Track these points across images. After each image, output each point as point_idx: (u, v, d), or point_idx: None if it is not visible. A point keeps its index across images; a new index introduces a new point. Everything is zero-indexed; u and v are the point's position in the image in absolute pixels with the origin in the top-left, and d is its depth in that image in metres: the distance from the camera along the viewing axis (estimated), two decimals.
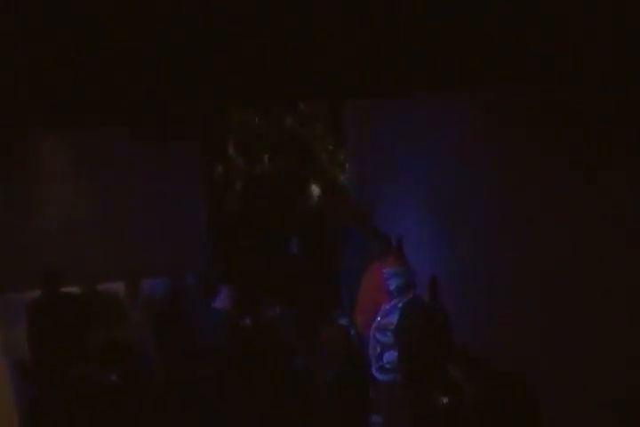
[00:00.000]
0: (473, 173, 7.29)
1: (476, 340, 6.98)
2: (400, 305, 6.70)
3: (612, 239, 5.13)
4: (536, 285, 6.13)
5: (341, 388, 6.70)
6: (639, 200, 4.85)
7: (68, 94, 4.52)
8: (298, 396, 7.05)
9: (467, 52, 4.62)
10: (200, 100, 5.76)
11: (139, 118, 8.08)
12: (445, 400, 6.16)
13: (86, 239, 9.68)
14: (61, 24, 3.87)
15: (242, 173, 11.57)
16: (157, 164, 10.20)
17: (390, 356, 6.67)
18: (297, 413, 6.87)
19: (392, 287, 6.78)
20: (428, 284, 7.60)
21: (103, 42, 4.08)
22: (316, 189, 11.63)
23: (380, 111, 9.74)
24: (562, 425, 5.70)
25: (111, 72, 4.44)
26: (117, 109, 5.28)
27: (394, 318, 6.67)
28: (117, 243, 9.74)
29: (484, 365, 6.65)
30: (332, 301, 9.12)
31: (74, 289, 8.10)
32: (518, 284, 6.44)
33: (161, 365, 7.60)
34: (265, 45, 4.41)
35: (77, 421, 6.49)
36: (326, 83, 5.32)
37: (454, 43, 4.51)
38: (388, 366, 6.71)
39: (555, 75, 5.14)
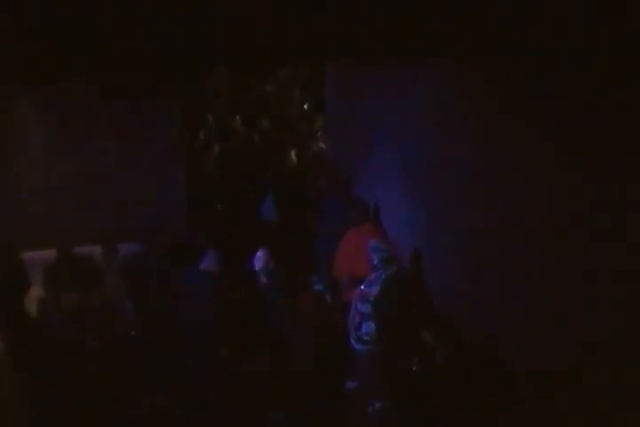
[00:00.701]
0: (455, 144, 7.30)
1: (455, 309, 7.05)
2: (383, 277, 6.77)
3: (588, 212, 5.18)
4: (516, 256, 6.19)
5: (317, 355, 6.79)
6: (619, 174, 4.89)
7: (53, 51, 4.50)
8: (281, 356, 7.12)
9: (443, 21, 4.63)
10: (185, 63, 5.75)
11: (122, 78, 8.01)
12: (415, 366, 6.26)
13: (62, 203, 9.62)
14: None
15: (219, 137, 11.51)
16: (135, 127, 10.11)
17: (368, 327, 6.76)
18: (278, 375, 6.95)
19: (375, 261, 6.87)
20: (412, 257, 7.64)
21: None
22: (293, 155, 11.61)
23: (360, 79, 9.69)
24: (531, 391, 5.81)
25: (100, 32, 4.41)
26: (101, 68, 5.25)
27: (375, 290, 6.75)
28: (93, 206, 9.69)
29: (461, 333, 6.73)
30: (308, 266, 9.16)
31: (49, 253, 8.08)
32: (498, 254, 6.50)
33: (140, 328, 7.62)
34: (248, 6, 4.39)
35: (57, 386, 6.52)
36: (305, 45, 5.31)
37: (429, 11, 4.51)
38: (365, 337, 6.80)
39: (527, 46, 5.16)
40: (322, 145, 11.52)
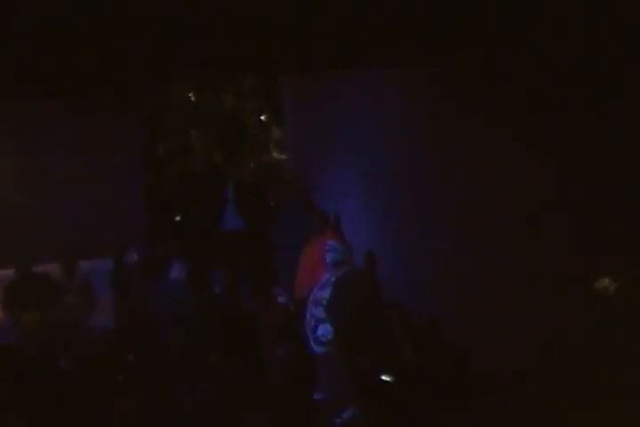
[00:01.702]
0: (412, 151, 7.37)
1: (419, 311, 7.12)
2: (333, 280, 6.78)
3: (546, 212, 5.27)
4: (474, 260, 6.27)
5: (283, 364, 6.79)
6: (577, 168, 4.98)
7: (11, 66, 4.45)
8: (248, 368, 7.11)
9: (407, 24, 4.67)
10: (143, 74, 5.72)
11: (81, 90, 7.93)
12: (391, 379, 6.28)
13: (19, 220, 9.49)
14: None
15: (178, 150, 11.48)
16: (93, 141, 10.03)
17: (324, 329, 6.75)
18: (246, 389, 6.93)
19: (328, 260, 6.87)
20: (365, 259, 7.68)
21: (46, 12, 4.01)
22: (251, 166, 11.61)
23: (317, 89, 9.73)
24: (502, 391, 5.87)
25: (59, 47, 4.38)
26: (61, 81, 5.21)
27: (326, 293, 6.76)
28: (51, 222, 9.57)
29: (426, 335, 6.79)
30: (270, 276, 9.16)
31: (7, 271, 7.96)
32: (456, 257, 6.58)
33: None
34: (205, 20, 4.39)
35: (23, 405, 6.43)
36: (262, 57, 5.32)
37: (392, 14, 4.55)
38: (323, 339, 6.80)
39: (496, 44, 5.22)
40: (280, 156, 11.54)
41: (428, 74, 6.77)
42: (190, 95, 11.39)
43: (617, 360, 4.52)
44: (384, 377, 6.51)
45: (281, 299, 7.94)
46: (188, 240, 10.32)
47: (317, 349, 6.85)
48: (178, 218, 11.27)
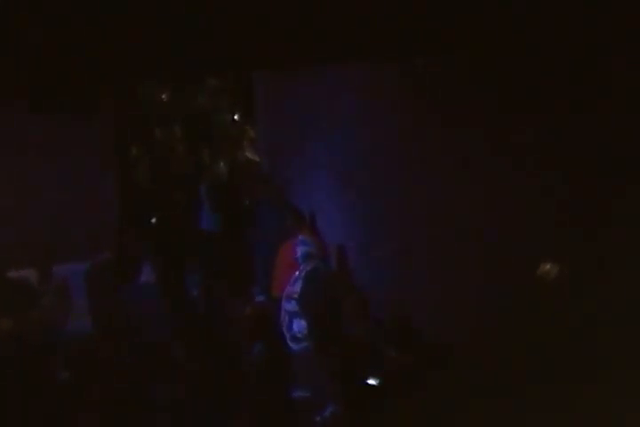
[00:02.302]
0: (387, 146, 7.40)
1: (388, 307, 7.15)
2: (303, 274, 6.80)
3: (520, 211, 5.32)
4: (447, 255, 6.31)
5: (259, 363, 6.79)
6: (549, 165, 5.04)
7: None
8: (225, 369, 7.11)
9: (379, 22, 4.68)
10: (114, 73, 5.67)
11: (50, 92, 7.85)
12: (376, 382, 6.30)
13: None
14: None
15: (150, 150, 11.43)
16: (64, 142, 9.94)
17: (299, 325, 6.77)
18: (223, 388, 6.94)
19: (299, 254, 6.89)
20: (335, 254, 7.72)
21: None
22: (225, 165, 11.60)
23: (291, 84, 9.73)
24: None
25: (29, 45, 4.34)
26: (31, 82, 5.16)
27: (298, 287, 6.78)
28: (21, 225, 9.47)
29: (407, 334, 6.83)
30: (247, 276, 9.16)
31: None
32: (434, 256, 6.62)
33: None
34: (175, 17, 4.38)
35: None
36: (232, 55, 5.31)
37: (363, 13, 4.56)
38: (298, 335, 6.81)
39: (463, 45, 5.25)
40: (254, 155, 11.53)
41: (402, 70, 6.80)
42: (162, 95, 11.35)
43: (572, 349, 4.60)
44: (370, 381, 6.53)
45: (258, 298, 7.95)
46: (160, 241, 10.29)
47: (294, 346, 6.87)
48: (153, 219, 11.22)
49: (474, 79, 5.72)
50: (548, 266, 4.77)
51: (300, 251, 6.92)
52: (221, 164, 11.63)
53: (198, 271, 9.38)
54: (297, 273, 6.92)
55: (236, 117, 11.65)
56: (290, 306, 6.89)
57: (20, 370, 6.85)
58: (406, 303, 6.86)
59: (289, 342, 6.94)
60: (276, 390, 6.55)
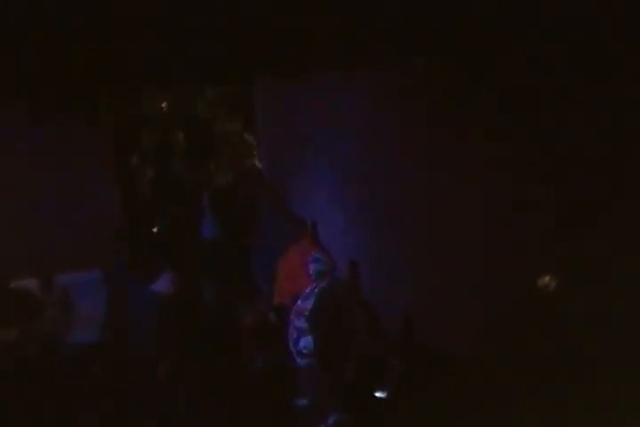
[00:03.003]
0: (386, 155, 7.40)
1: (396, 321, 7.14)
2: (316, 291, 6.80)
3: (520, 214, 5.32)
4: (452, 265, 6.29)
5: (264, 373, 6.79)
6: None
7: None
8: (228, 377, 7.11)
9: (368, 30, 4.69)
10: (114, 85, 5.68)
11: (48, 104, 7.89)
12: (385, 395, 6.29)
13: None
14: None
15: (152, 160, 11.45)
16: (65, 154, 9.96)
17: (306, 341, 6.77)
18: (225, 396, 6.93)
19: (311, 271, 6.89)
20: (349, 270, 7.71)
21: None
22: (227, 174, 11.61)
23: (292, 93, 9.74)
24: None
25: (28, 57, 4.35)
26: (30, 94, 5.17)
27: (309, 304, 6.78)
28: (23, 237, 9.48)
29: (410, 346, 6.81)
30: (249, 285, 9.16)
31: None
32: (435, 263, 6.60)
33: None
34: (174, 26, 4.38)
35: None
36: (234, 63, 5.32)
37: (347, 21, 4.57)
38: (304, 351, 6.82)
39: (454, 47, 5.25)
40: (256, 162, 11.55)
41: (402, 78, 6.80)
42: (163, 104, 11.38)
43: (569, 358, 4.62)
44: (377, 394, 6.53)
45: (261, 306, 7.94)
46: (163, 251, 10.28)
47: (300, 361, 6.87)
48: (155, 229, 11.22)
49: (474, 82, 5.71)
50: (547, 278, 4.78)
51: (313, 269, 6.92)
52: (223, 172, 11.63)
53: (201, 281, 9.37)
54: (310, 289, 6.92)
55: (237, 126, 11.67)
56: (300, 323, 6.88)
57: (22, 381, 6.86)
58: (409, 314, 6.85)
59: (295, 356, 6.94)
60: (279, 399, 6.55)
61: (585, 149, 4.60)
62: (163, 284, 7.39)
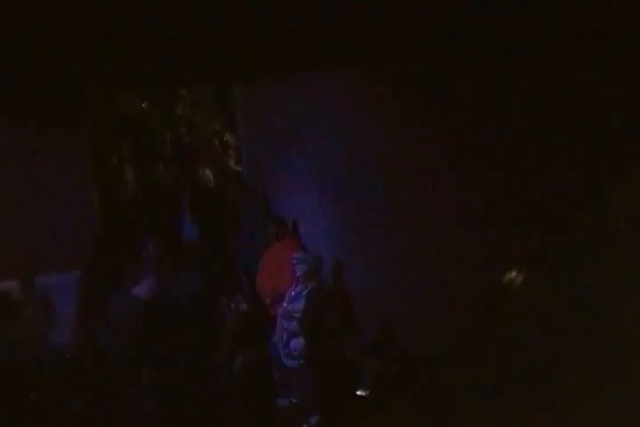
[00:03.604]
0: (369, 155, 7.42)
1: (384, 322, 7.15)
2: (305, 293, 6.80)
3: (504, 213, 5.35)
4: (435, 266, 6.32)
5: (245, 373, 6.78)
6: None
7: None
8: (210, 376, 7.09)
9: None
10: (90, 86, 5.66)
11: (24, 105, 7.85)
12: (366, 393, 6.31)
13: None
14: None
15: (132, 162, 11.40)
16: (44, 156, 9.90)
17: (296, 343, 6.78)
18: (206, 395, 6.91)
19: (299, 273, 6.89)
20: (333, 269, 7.71)
21: None
22: (208, 174, 11.59)
23: (272, 94, 9.75)
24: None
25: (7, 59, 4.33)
26: (6, 94, 5.14)
27: (299, 306, 6.78)
28: (5, 240, 9.42)
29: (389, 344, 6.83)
30: (232, 284, 9.15)
31: None
32: (417, 263, 6.63)
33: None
34: (158, 25, 4.38)
35: None
36: (214, 65, 5.31)
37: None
38: (294, 352, 6.83)
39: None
40: (237, 162, 11.55)
41: (379, 74, 6.82)
42: (142, 105, 11.35)
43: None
44: (359, 392, 6.54)
45: (241, 306, 7.92)
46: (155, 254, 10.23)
47: (289, 363, 6.88)
48: (136, 229, 11.17)
49: (452, 82, 5.74)
50: (512, 273, 4.81)
51: (299, 270, 6.92)
52: (203, 173, 11.62)
53: (182, 282, 9.34)
54: (296, 291, 6.92)
55: (217, 126, 11.66)
56: (290, 325, 6.89)
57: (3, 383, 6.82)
58: (390, 314, 6.86)
59: (283, 358, 6.95)
60: (261, 398, 6.54)
61: (546, 147, 4.66)
62: (143, 288, 7.35)
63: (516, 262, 5.02)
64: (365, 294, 7.45)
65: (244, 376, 6.78)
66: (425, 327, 6.39)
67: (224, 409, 6.79)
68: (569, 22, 4.28)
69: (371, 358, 6.61)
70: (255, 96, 10.44)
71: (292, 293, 6.92)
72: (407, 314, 6.70)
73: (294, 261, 6.98)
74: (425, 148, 6.31)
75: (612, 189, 4.23)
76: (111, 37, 4.37)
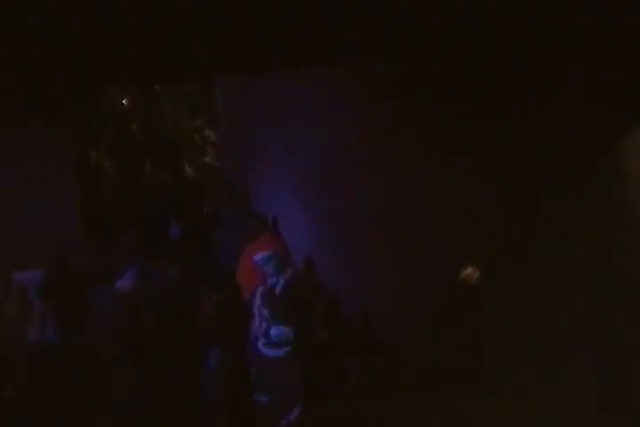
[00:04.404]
0: (349, 152, 7.45)
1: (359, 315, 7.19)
2: (282, 282, 6.82)
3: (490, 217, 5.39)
4: (414, 263, 6.35)
5: (219, 367, 6.78)
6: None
7: None
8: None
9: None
10: (71, 84, 5.63)
11: (5, 104, 7.81)
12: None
13: None
14: None
15: (112, 158, 11.36)
16: (23, 154, 9.86)
17: (277, 330, 6.78)
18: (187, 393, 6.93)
19: (270, 271, 6.90)
20: (304, 262, 7.75)
21: None
22: (189, 170, 11.57)
23: (251, 91, 9.75)
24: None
25: None
26: None
27: (276, 294, 6.81)
28: None
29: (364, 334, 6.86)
30: (212, 278, 9.14)
31: None
32: (396, 259, 6.66)
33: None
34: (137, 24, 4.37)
35: None
36: (194, 59, 5.31)
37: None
38: (276, 339, 6.82)
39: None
40: (217, 158, 11.54)
41: (361, 73, 6.84)
42: (123, 102, 11.30)
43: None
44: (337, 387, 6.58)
45: (219, 298, 7.92)
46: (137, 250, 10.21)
47: (269, 352, 6.87)
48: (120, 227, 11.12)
49: (434, 83, 5.77)
50: (469, 270, 4.86)
51: (270, 267, 6.93)
52: (184, 170, 11.60)
53: (163, 275, 9.33)
54: (273, 281, 6.93)
55: (198, 124, 11.64)
56: (266, 312, 6.90)
57: None
58: (366, 309, 6.90)
59: (261, 347, 6.93)
60: (238, 394, 6.55)
61: (508, 149, 4.73)
62: (126, 281, 7.37)
63: (474, 260, 5.08)
64: (343, 288, 7.49)
65: (218, 370, 6.78)
66: (401, 322, 6.43)
67: (199, 406, 6.82)
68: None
69: (348, 351, 6.65)
70: (236, 93, 10.44)
71: (270, 282, 6.93)
72: (385, 309, 6.74)
73: (259, 263, 7.00)
74: (404, 147, 6.35)
75: (568, 189, 4.32)
76: (90, 35, 4.36)
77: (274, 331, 6.81)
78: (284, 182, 9.06)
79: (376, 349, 6.62)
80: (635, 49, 4.00)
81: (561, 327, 4.39)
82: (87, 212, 10.63)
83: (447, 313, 5.54)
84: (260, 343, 6.90)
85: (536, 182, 4.58)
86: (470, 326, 5.09)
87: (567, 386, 4.44)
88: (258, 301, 6.97)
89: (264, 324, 6.89)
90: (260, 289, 6.98)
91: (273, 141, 9.34)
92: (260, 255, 7.03)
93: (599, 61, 4.20)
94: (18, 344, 7.45)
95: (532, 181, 4.66)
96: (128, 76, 5.91)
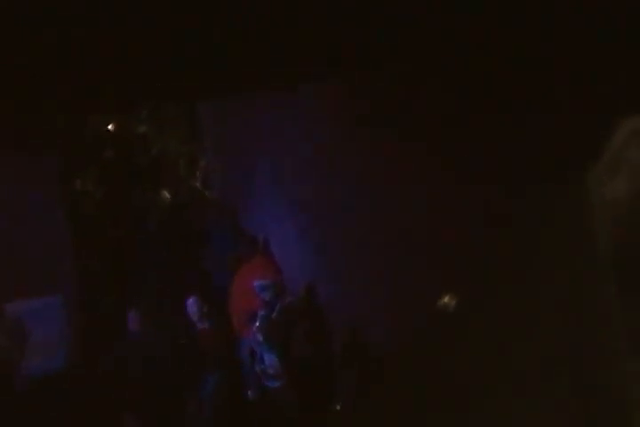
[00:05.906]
0: (338, 171, 7.47)
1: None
2: (278, 307, 6.83)
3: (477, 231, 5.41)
4: (407, 283, 6.35)
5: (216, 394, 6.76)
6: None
7: None
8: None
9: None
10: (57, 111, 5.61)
11: None
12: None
13: None
14: None
15: (98, 182, 11.29)
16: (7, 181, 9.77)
17: (270, 359, 6.77)
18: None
19: (267, 298, 6.92)
20: (305, 289, 7.69)
21: None
22: (176, 192, 11.51)
23: (237, 113, 9.76)
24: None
25: None
26: None
27: (272, 320, 6.80)
28: None
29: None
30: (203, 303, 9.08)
31: None
32: (389, 280, 6.66)
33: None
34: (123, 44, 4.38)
35: None
36: (179, 83, 5.31)
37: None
38: (270, 371, 6.81)
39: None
40: (204, 179, 11.50)
41: (350, 93, 6.86)
42: (109, 126, 11.27)
43: None
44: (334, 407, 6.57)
45: (212, 325, 7.88)
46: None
47: (269, 383, 6.86)
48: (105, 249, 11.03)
49: (420, 97, 5.80)
50: (446, 298, 4.89)
51: (267, 295, 6.95)
52: (170, 192, 11.55)
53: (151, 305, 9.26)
54: (269, 309, 6.94)
55: (186, 147, 11.62)
56: (261, 337, 6.90)
57: None
58: (357, 327, 6.90)
59: (263, 379, 6.94)
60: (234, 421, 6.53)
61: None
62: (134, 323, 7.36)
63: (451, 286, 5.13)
64: (336, 309, 7.47)
65: (216, 397, 6.75)
66: (394, 339, 6.43)
67: None
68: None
69: (343, 371, 6.64)
70: (225, 115, 10.44)
71: (264, 311, 6.94)
72: (378, 328, 6.73)
73: (257, 290, 7.02)
74: (395, 166, 6.37)
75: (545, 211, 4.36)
76: (77, 58, 4.36)
77: (268, 360, 6.80)
78: (272, 203, 9.06)
79: (368, 364, 6.61)
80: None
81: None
82: (76, 238, 10.54)
83: (434, 331, 5.58)
84: (258, 372, 6.91)
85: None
86: (456, 344, 5.12)
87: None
88: (254, 328, 6.99)
89: (258, 351, 6.90)
90: (258, 314, 7.00)
91: (260, 163, 9.35)
92: (258, 283, 7.06)
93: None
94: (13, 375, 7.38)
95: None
96: (113, 103, 5.90)
